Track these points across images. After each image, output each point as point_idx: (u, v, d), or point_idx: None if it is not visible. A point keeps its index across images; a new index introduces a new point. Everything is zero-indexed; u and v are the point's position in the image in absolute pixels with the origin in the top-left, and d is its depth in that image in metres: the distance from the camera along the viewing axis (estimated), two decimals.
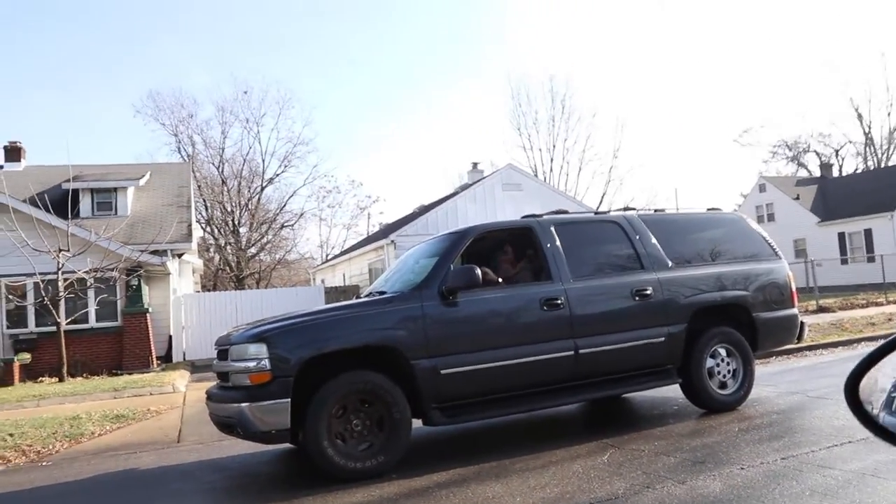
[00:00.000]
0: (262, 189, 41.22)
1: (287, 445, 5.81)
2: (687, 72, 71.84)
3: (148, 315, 16.54)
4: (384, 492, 4.43)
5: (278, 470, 5.57)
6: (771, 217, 35.85)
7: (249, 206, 40.61)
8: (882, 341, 1.24)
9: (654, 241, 6.25)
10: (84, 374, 14.74)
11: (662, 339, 5.91)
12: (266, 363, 4.62)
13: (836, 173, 43.38)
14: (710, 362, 6.18)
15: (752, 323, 6.41)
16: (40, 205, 15.75)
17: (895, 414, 1.09)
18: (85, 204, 19.72)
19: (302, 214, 42.52)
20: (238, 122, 53.11)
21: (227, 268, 39.65)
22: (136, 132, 70.45)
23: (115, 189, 20.18)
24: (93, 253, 15.20)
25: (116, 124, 68.02)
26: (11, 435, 7.55)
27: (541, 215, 6.19)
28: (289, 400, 4.60)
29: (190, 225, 19.77)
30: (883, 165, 44.52)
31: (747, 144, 71.39)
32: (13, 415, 9.41)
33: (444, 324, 5.15)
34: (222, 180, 40.41)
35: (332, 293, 20.24)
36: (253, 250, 40.44)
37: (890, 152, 48.23)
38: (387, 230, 26.96)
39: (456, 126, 71.89)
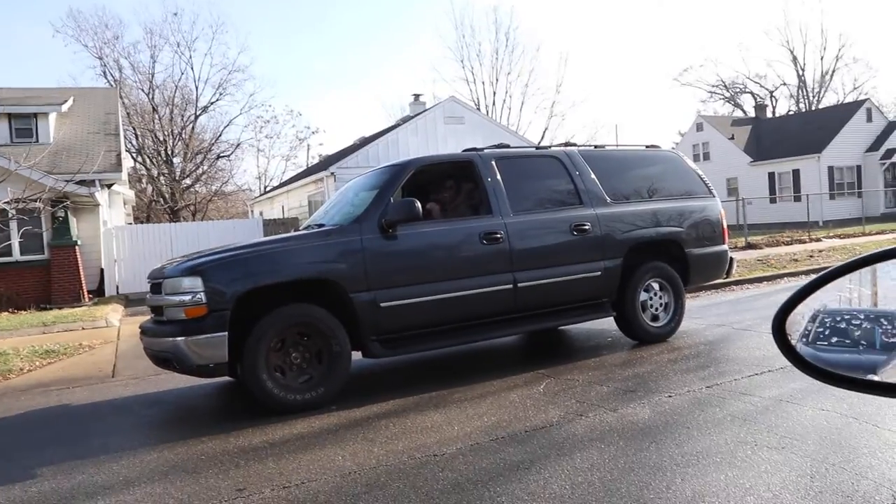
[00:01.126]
0: (196, 118, 39.76)
1: (225, 379, 5.77)
2: (630, 7, 71.57)
3: (77, 248, 15.94)
4: (324, 423, 4.48)
5: (216, 403, 5.55)
6: (707, 156, 36.71)
7: (183, 136, 39.11)
8: (807, 277, 1.28)
9: (592, 176, 6.31)
10: (10, 310, 14.22)
11: (599, 273, 6.05)
12: (201, 297, 4.55)
13: (769, 115, 44.50)
14: (643, 296, 6.38)
15: (684, 258, 6.62)
16: None
17: (811, 345, 1.15)
18: (2, 130, 18.62)
19: (238, 145, 41.50)
20: (168, 45, 50.98)
21: (161, 199, 38.43)
22: (56, 54, 66.26)
23: (36, 115, 19.06)
24: (13, 182, 14.41)
25: (35, 45, 63.66)
26: None
27: (482, 149, 6.16)
28: (226, 333, 4.55)
29: (119, 154, 18.93)
30: (814, 108, 45.91)
31: (687, 84, 72.55)
32: None
33: (384, 257, 5.14)
34: (153, 108, 38.64)
35: (271, 226, 19.91)
36: (188, 181, 39.20)
37: (821, 95, 49.74)
38: (327, 162, 26.45)
39: (398, 58, 70.21)
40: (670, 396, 4.54)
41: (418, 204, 5.19)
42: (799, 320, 1.17)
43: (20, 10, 61.61)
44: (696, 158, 35.71)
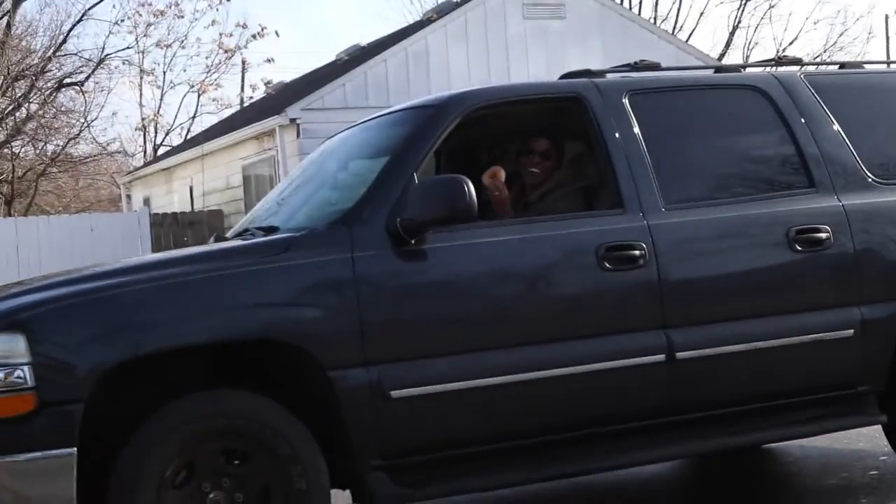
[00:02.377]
0: (16, 5, 40.57)
1: None
2: None
3: None
4: None
5: None
6: None
7: None
8: None
9: (836, 128, 6.26)
10: None
11: (850, 331, 5.96)
12: (25, 374, 4.55)
13: None
14: None
15: None
16: None
17: None
18: None
19: (103, 60, 42.04)
20: None
21: None
22: None
23: None
24: None
25: None
26: None
27: (602, 72, 6.16)
28: (73, 451, 4.57)
29: None
30: None
31: None
32: None
33: (398, 295, 5.16)
34: None
35: (167, 225, 20.19)
36: None
37: None
38: (283, 97, 26.80)
39: None
40: None
41: (470, 187, 5.18)
42: None
43: None
44: None
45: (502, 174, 5.89)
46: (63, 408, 4.55)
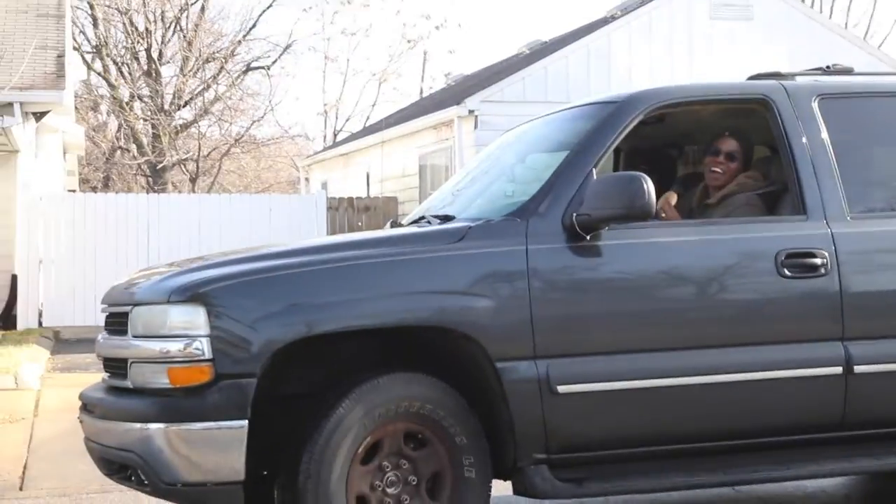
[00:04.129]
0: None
1: None
2: None
3: None
4: None
5: None
6: None
7: (182, 25, 41.01)
8: None
9: None
10: None
11: None
12: (203, 346, 4.64)
13: None
14: None
15: None
16: None
17: None
18: None
19: (289, 47, 42.73)
20: None
21: (135, 146, 40.39)
22: None
23: None
24: None
25: None
26: None
27: (791, 75, 6.06)
28: (245, 423, 4.64)
29: (62, 56, 20.11)
30: None
31: None
32: None
33: (572, 291, 5.16)
34: None
35: (343, 210, 20.44)
36: (186, 114, 41.00)
37: None
38: (460, 90, 26.89)
39: None
40: None
41: (649, 185, 5.11)
42: None
43: None
44: None
45: (674, 199, 5.84)
46: (237, 381, 4.62)
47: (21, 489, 7.29)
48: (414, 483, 4.88)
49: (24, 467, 7.84)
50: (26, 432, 9.21)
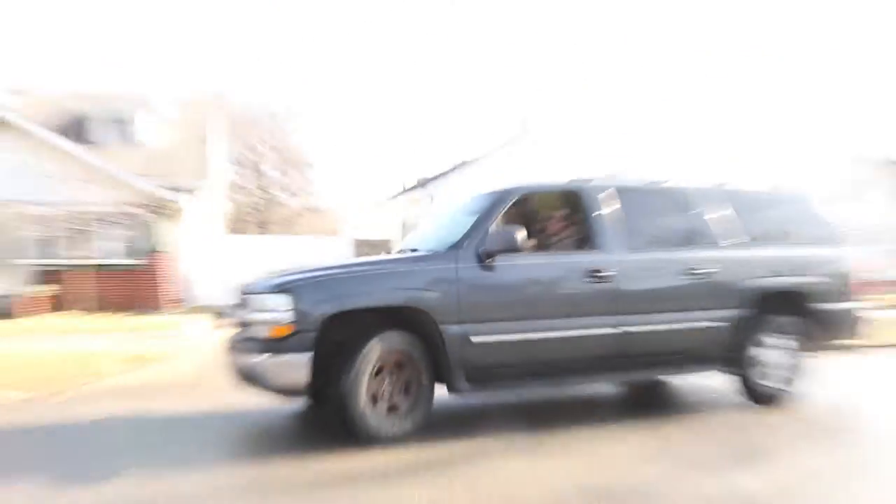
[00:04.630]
0: (294, 131, 41.59)
1: (305, 401, 5.96)
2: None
3: (167, 255, 16.94)
4: (403, 458, 4.54)
5: (294, 425, 5.73)
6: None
7: (280, 149, 40.86)
8: None
9: (713, 215, 6.15)
10: (105, 311, 15.18)
11: (713, 323, 5.86)
12: (288, 315, 4.70)
13: None
14: (761, 352, 6.12)
15: (809, 313, 6.32)
16: (60, 132, 16.06)
17: None
18: (101, 132, 19.99)
19: (334, 160, 42.88)
20: (273, 58, 53.18)
21: (253, 211, 40.19)
22: (168, 63, 70.84)
23: (135, 119, 20.44)
24: (109, 185, 15.50)
25: (145, 56, 68.41)
26: (25, 367, 7.88)
27: (591, 179, 6.11)
28: (310, 355, 4.69)
29: (214, 163, 20.02)
30: None
31: None
32: (26, 347, 9.79)
33: (479, 289, 5.16)
34: (252, 119, 40.59)
35: (362, 245, 20.44)
36: (281, 194, 40.82)
37: None
38: (424, 182, 26.93)
39: (509, 77, 70.87)
40: (787, 468, 4.32)
41: (520, 233, 5.18)
42: None
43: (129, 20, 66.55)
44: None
45: (531, 242, 5.90)
46: (306, 334, 4.71)
47: (194, 387, 7.34)
48: (397, 386, 4.97)
49: (197, 376, 7.85)
50: (197, 358, 9.18)
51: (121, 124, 20.27)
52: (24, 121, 15.96)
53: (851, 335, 6.79)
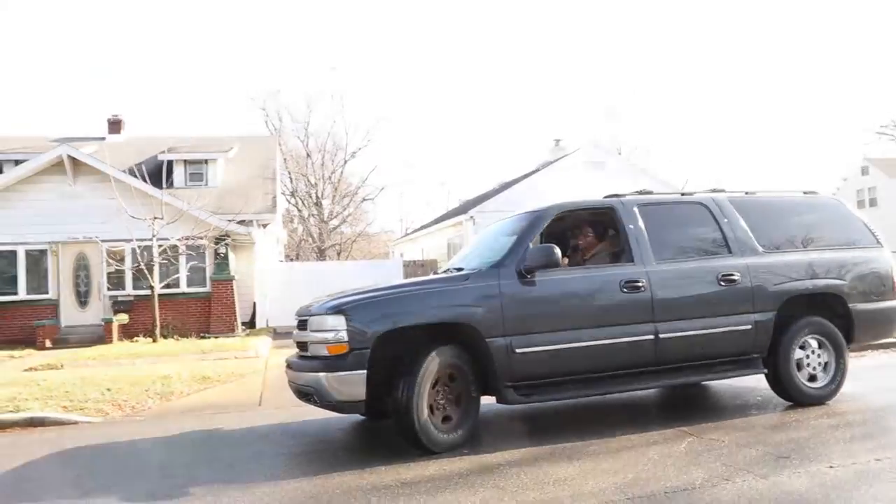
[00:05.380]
0: (345, 163, 42.11)
1: (361, 416, 5.95)
2: (793, 48, 67.99)
3: (234, 282, 17.24)
4: (456, 467, 4.47)
5: (353, 439, 5.71)
6: (873, 202, 33.81)
7: (332, 180, 41.51)
8: None
9: (742, 224, 5.98)
10: (174, 336, 15.54)
11: (748, 326, 5.67)
12: (344, 335, 4.70)
13: None
14: (798, 353, 5.89)
15: (847, 314, 6.07)
16: (138, 174, 16.59)
17: None
18: (178, 174, 20.63)
19: (383, 188, 43.24)
20: (323, 95, 54.07)
21: (310, 239, 40.83)
22: (228, 107, 72.79)
23: (206, 161, 21.01)
24: (185, 221, 15.92)
25: (211, 100, 70.48)
26: (109, 390, 8.06)
27: (624, 195, 6.03)
28: (365, 371, 4.67)
29: (275, 196, 20.38)
30: None
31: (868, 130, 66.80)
32: (111, 371, 10.02)
33: (521, 303, 5.10)
34: (307, 153, 41.44)
35: (411, 267, 20.51)
36: (335, 222, 41.42)
37: None
38: (466, 206, 26.94)
39: (541, 101, 70.83)
40: (831, 467, 4.12)
41: (557, 251, 5.14)
42: None
43: (199, 70, 68.62)
44: (860, 205, 33.01)
45: (565, 261, 5.82)
46: (361, 351, 4.71)
47: (259, 405, 7.32)
48: (451, 398, 4.94)
49: (261, 394, 7.87)
50: (261, 378, 9.24)
51: (199, 167, 20.89)
52: (112, 169, 16.56)
53: (892, 334, 6.52)
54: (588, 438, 5.04)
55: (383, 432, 5.66)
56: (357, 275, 18.24)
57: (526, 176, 24.43)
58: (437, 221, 29.05)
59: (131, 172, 16.82)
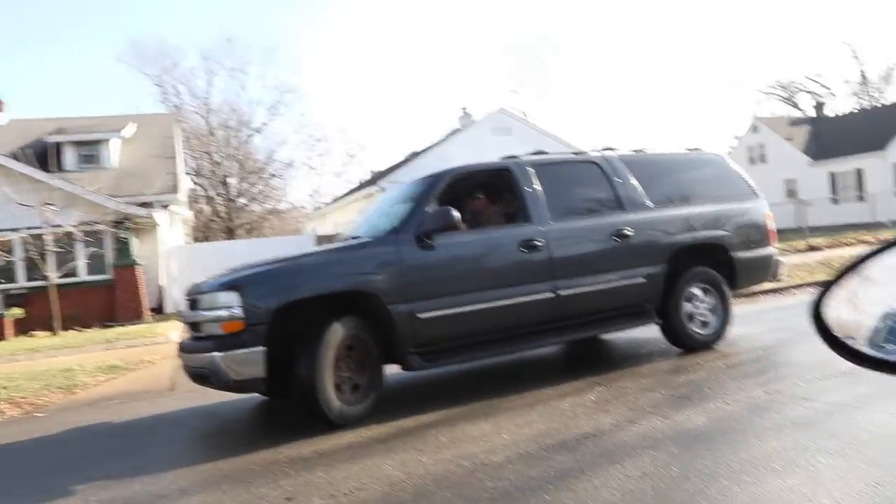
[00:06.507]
0: (249, 137, 40.78)
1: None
2: (686, 12, 70.44)
3: (138, 267, 16.50)
4: (373, 433, 4.48)
5: (266, 417, 5.63)
6: (763, 158, 35.74)
7: (238, 157, 40.12)
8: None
9: (633, 181, 6.18)
10: (77, 328, 14.77)
11: (642, 279, 5.90)
12: (238, 311, 4.51)
13: (830, 114, 42.87)
14: (687, 304, 6.18)
15: (729, 262, 6.43)
16: (24, 159, 15.53)
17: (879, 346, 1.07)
18: (69, 157, 19.47)
19: (291, 164, 42.33)
20: (223, 70, 51.92)
21: (218, 219, 39.46)
22: (119, 83, 68.85)
23: (100, 141, 19.92)
24: (79, 206, 15.08)
25: (99, 75, 66.42)
26: (5, 388, 7.59)
27: (519, 156, 6.07)
28: (263, 348, 4.51)
29: (177, 176, 19.58)
30: (877, 105, 44.05)
31: (739, 85, 70.44)
32: (7, 368, 9.46)
33: (421, 268, 5.07)
34: (209, 130, 39.79)
35: (324, 241, 20.16)
36: (243, 201, 40.16)
37: (884, 91, 47.78)
38: (376, 177, 26.79)
39: (449, 69, 70.68)
40: (726, 403, 4.38)
41: (455, 213, 5.09)
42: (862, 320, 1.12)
43: (83, 44, 64.50)
44: (751, 161, 34.80)
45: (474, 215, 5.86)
46: (258, 328, 4.55)
47: (171, 390, 7.11)
48: (352, 367, 4.83)
49: (172, 380, 7.62)
50: (171, 363, 8.93)
51: (92, 148, 19.73)
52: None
53: (771, 279, 6.95)
54: (503, 395, 5.14)
55: (291, 410, 5.59)
56: (269, 252, 17.78)
57: (435, 145, 24.45)
58: (348, 194, 28.80)
59: (15, 157, 15.72)
